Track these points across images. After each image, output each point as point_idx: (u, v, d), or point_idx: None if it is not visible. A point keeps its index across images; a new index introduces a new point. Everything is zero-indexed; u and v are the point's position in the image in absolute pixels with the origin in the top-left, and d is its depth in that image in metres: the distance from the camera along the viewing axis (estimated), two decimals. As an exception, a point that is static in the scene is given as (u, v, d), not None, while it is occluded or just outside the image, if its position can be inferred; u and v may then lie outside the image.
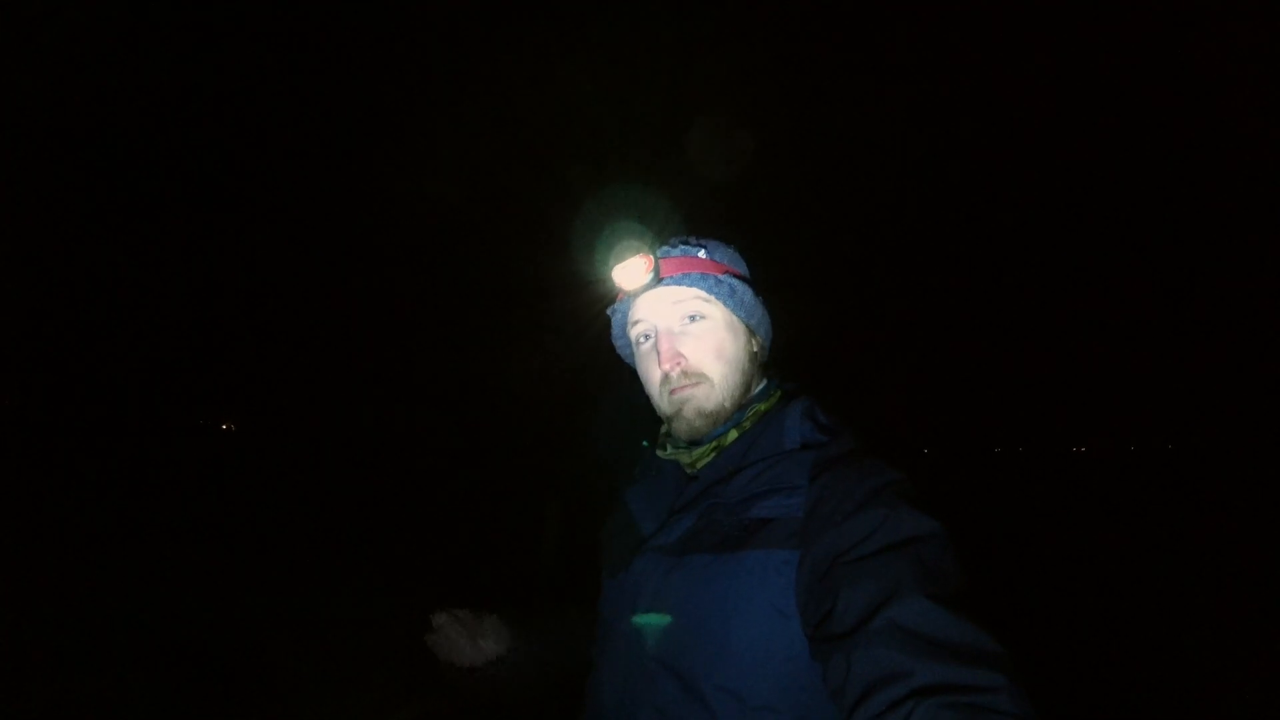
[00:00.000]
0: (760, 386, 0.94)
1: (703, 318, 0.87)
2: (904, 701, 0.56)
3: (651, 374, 0.89)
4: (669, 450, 0.92)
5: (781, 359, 1.00)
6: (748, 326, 0.90)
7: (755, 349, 0.92)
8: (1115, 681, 3.91)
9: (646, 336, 0.90)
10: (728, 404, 0.87)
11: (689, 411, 0.87)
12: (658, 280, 0.85)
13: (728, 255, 0.92)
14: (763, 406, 0.90)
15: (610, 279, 0.88)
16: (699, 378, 0.86)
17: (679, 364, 0.86)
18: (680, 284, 0.86)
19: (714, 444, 0.88)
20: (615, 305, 0.94)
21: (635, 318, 0.90)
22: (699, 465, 0.89)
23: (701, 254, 0.89)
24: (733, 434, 0.88)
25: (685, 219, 0.97)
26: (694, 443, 0.89)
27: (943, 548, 0.69)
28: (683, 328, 0.87)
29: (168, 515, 8.91)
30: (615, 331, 0.97)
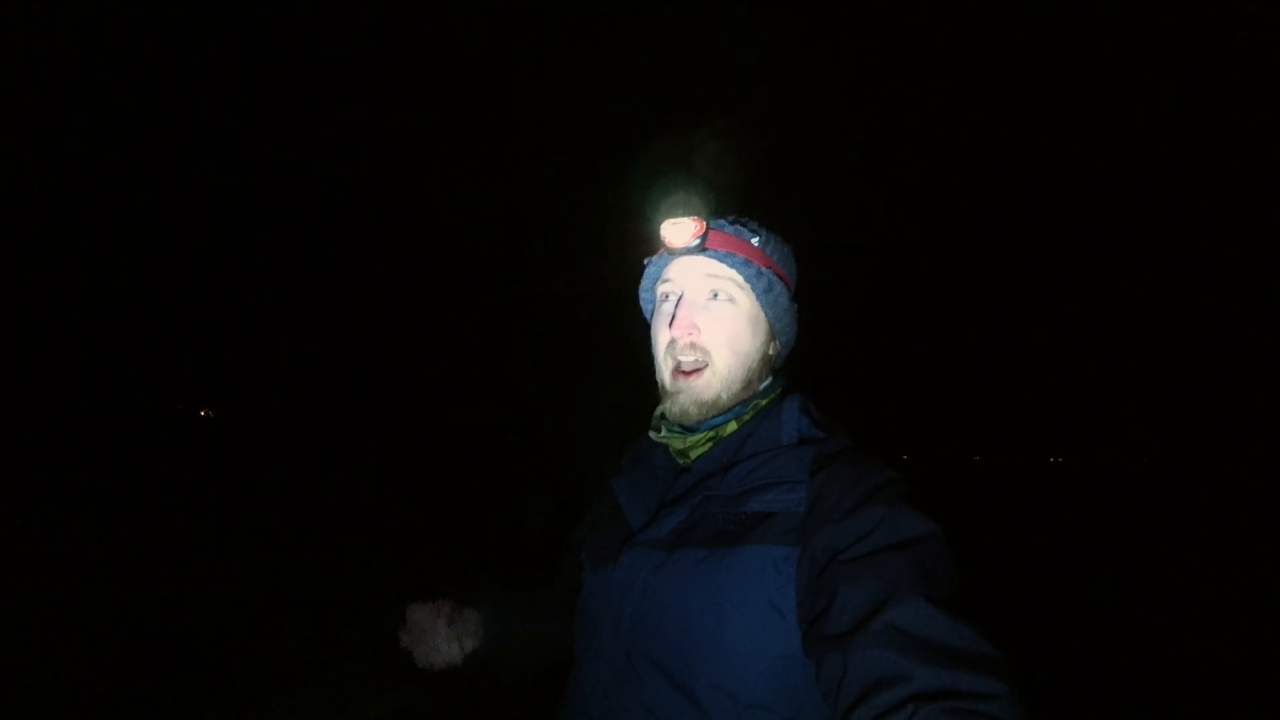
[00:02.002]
0: (766, 383, 0.92)
1: (730, 300, 0.85)
2: (903, 705, 0.55)
3: (661, 335, 0.87)
4: (663, 432, 0.90)
5: (791, 361, 0.98)
6: (771, 327, 0.89)
7: (772, 351, 0.90)
8: (1106, 689, 3.96)
9: (668, 297, 0.88)
10: (725, 397, 0.85)
11: (685, 398, 0.85)
12: (701, 248, 0.83)
13: (780, 252, 0.89)
14: (764, 401, 0.89)
15: (658, 232, 0.85)
16: (704, 358, 0.84)
17: (691, 335, 0.83)
18: (722, 260, 0.84)
19: (711, 433, 0.86)
20: (653, 258, 0.91)
21: (667, 275, 0.88)
22: (693, 455, 0.87)
23: (755, 241, 0.87)
24: (731, 425, 0.86)
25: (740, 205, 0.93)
26: (690, 429, 0.87)
27: (941, 550, 0.68)
28: (706, 302, 0.85)
29: (145, 504, 8.78)
30: (644, 284, 0.94)
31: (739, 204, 0.91)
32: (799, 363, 1.01)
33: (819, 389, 0.92)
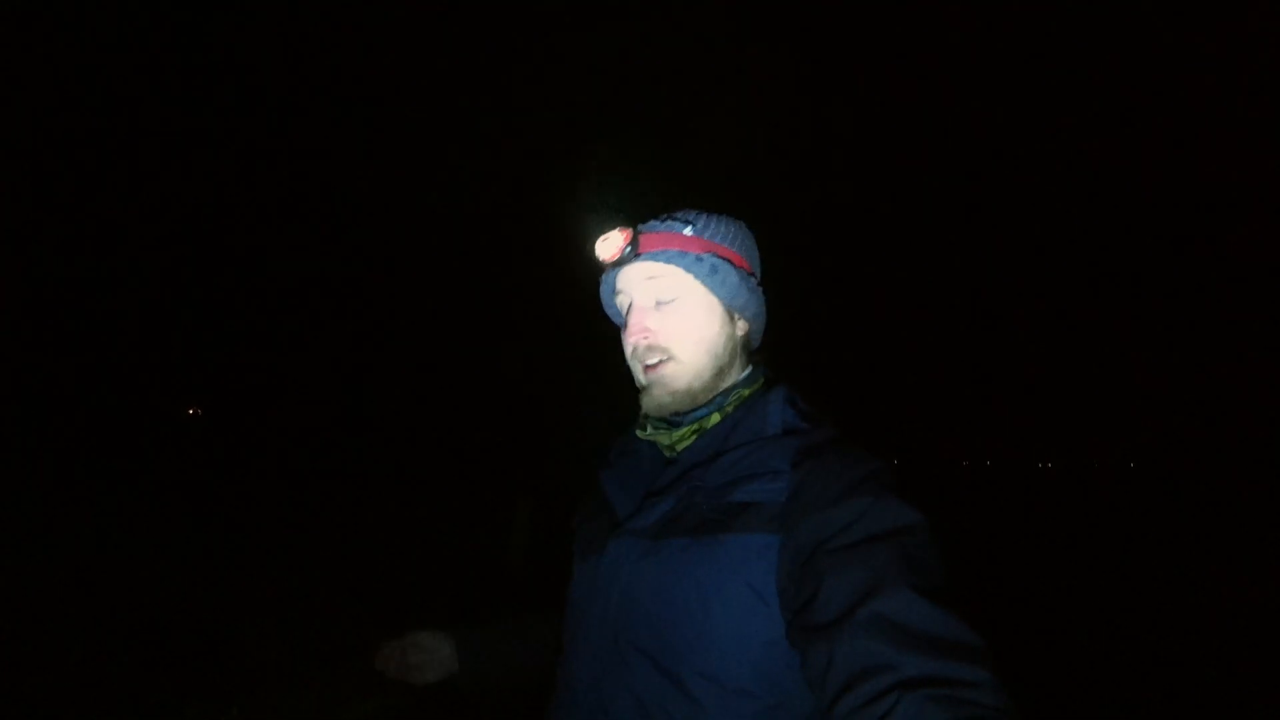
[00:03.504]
0: (746, 372, 0.92)
1: (676, 295, 0.86)
2: (888, 693, 0.56)
3: (626, 345, 0.90)
4: (649, 430, 0.91)
5: (773, 347, 0.99)
6: (727, 308, 0.89)
7: (738, 333, 0.90)
8: (1090, 681, 3.99)
9: (627, 307, 0.90)
10: (695, 384, 0.86)
11: (658, 390, 0.87)
12: (635, 255, 0.86)
13: (722, 233, 0.89)
14: (746, 392, 0.89)
15: (592, 251, 0.88)
16: (665, 354, 0.86)
17: (646, 338, 0.86)
18: (655, 260, 0.86)
19: (695, 426, 0.87)
20: (604, 274, 0.94)
21: (618, 288, 0.91)
22: (679, 448, 0.87)
23: (687, 231, 0.87)
24: (715, 417, 0.86)
25: (692, 198, 0.95)
26: (674, 424, 0.88)
27: (926, 540, 0.68)
28: (655, 303, 0.87)
29: (130, 502, 8.70)
30: (604, 299, 0.97)
31: (705, 200, 0.94)
32: (786, 355, 1.02)
33: (810, 386, 0.93)
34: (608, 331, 1.01)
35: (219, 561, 5.90)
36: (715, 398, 0.87)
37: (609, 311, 0.98)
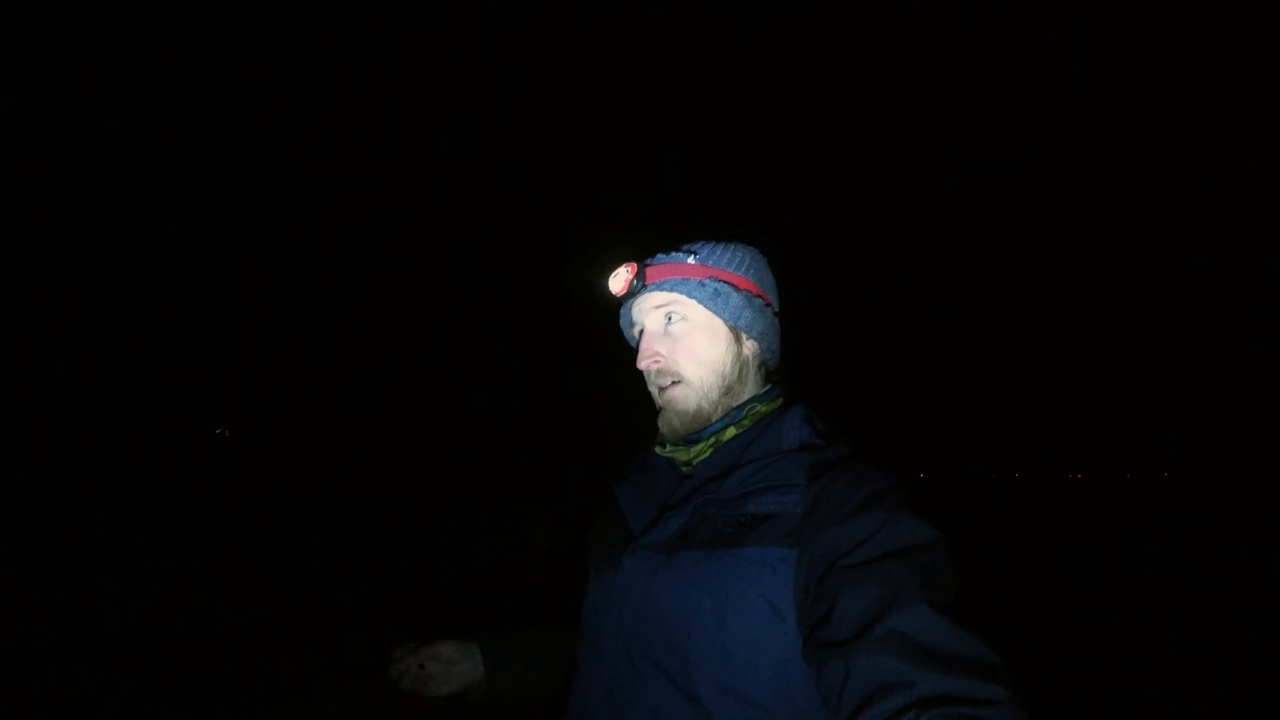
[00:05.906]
0: (764, 389, 0.94)
1: (682, 319, 0.90)
2: (905, 711, 0.55)
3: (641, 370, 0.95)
4: (667, 448, 0.93)
5: (793, 366, 1.01)
6: (732, 329, 0.91)
7: (746, 352, 0.93)
8: (1110, 697, 3.91)
9: (638, 336, 0.95)
10: (705, 405, 0.89)
11: (669, 412, 0.90)
12: (643, 286, 0.90)
13: (727, 259, 0.92)
14: (763, 408, 0.90)
15: (605, 287, 0.94)
16: (675, 377, 0.90)
17: (656, 362, 0.90)
18: (660, 289, 0.90)
19: (711, 440, 0.88)
20: (620, 307, 0.99)
21: (631, 319, 0.96)
22: (695, 462, 0.89)
23: (690, 260, 0.91)
24: (730, 431, 0.88)
25: (707, 224, 1.00)
26: (691, 441, 0.90)
27: (943, 556, 0.68)
28: (664, 329, 0.91)
29: (159, 518, 8.84)
30: (623, 330, 1.02)
31: (717, 226, 0.97)
32: (807, 376, 1.03)
33: (835, 405, 0.94)
34: (626, 352, 1.04)
35: (248, 580, 5.97)
36: (730, 411, 0.89)
37: (629, 340, 1.02)
